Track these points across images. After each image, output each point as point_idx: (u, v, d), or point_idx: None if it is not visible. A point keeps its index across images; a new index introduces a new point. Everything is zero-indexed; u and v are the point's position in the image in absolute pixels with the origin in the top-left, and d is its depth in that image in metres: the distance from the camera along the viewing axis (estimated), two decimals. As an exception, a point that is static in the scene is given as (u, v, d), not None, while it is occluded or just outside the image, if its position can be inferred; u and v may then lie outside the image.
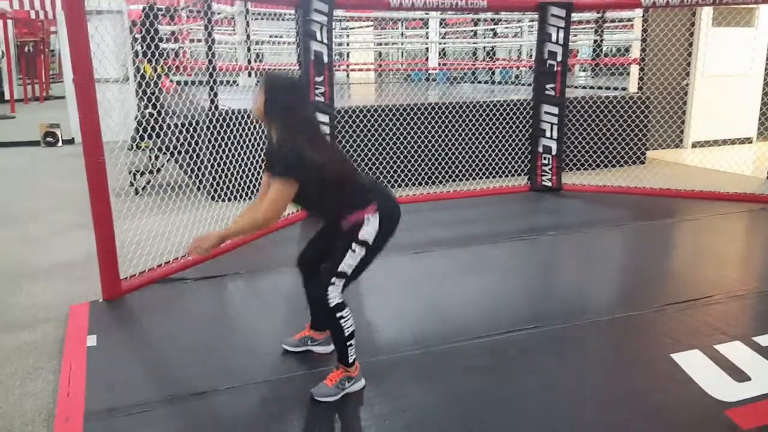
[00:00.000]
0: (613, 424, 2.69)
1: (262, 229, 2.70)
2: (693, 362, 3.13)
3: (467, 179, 7.49)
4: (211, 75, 6.18)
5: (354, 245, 2.69)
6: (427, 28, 13.22)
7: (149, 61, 7.07)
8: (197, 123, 6.71)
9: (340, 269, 2.70)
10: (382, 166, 7.05)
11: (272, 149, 2.80)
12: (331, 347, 3.04)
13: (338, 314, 2.72)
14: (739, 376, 3.01)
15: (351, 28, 14.58)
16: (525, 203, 6.73)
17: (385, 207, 2.75)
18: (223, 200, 6.39)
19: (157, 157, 7.19)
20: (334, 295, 2.71)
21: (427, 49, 13.33)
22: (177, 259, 4.57)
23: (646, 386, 2.95)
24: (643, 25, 8.01)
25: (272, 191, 2.63)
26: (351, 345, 2.79)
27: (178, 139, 7.27)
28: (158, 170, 7.12)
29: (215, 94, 6.23)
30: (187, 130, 7.08)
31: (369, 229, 2.69)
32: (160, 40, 7.64)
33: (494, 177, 7.54)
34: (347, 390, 2.84)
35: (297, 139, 2.65)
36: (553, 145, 7.01)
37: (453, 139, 7.40)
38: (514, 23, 12.26)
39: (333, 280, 2.70)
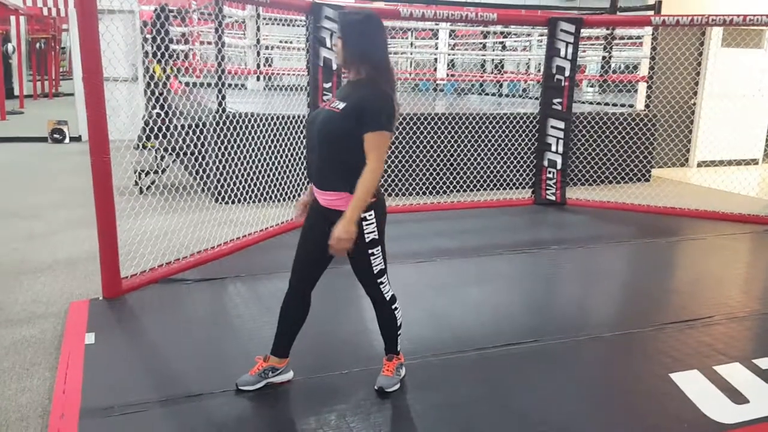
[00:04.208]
0: (609, 442, 2.67)
1: (379, 181, 2.62)
2: (691, 382, 3.11)
3: (471, 190, 7.49)
4: (219, 77, 6.20)
5: (370, 251, 2.75)
6: (437, 38, 13.26)
7: (159, 62, 7.09)
8: (204, 125, 6.73)
9: (376, 271, 2.81)
10: (387, 175, 7.05)
11: (349, 89, 2.71)
12: (291, 374, 3.00)
13: (393, 306, 2.92)
14: (738, 398, 2.99)
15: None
16: (528, 216, 6.72)
17: (380, 199, 2.76)
18: (227, 203, 6.40)
19: (162, 158, 7.21)
20: (387, 290, 2.88)
21: (435, 59, 13.36)
22: (178, 259, 4.58)
23: (644, 405, 2.94)
24: (652, 43, 8.03)
25: (374, 145, 2.56)
26: (400, 334, 2.99)
27: (184, 140, 7.29)
28: (163, 170, 7.13)
29: (223, 97, 6.25)
30: (194, 132, 7.10)
31: (370, 229, 2.72)
32: (171, 41, 7.67)
33: (498, 189, 7.53)
34: (402, 376, 3.02)
35: (383, 84, 2.62)
36: (559, 160, 7.01)
37: (459, 150, 7.41)
38: (524, 37, 12.29)
39: (379, 281, 2.84)
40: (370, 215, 2.70)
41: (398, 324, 2.96)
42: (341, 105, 2.62)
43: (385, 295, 2.87)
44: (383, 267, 2.82)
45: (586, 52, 11.14)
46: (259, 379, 2.94)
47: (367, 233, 2.71)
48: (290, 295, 2.92)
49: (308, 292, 2.91)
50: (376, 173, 2.59)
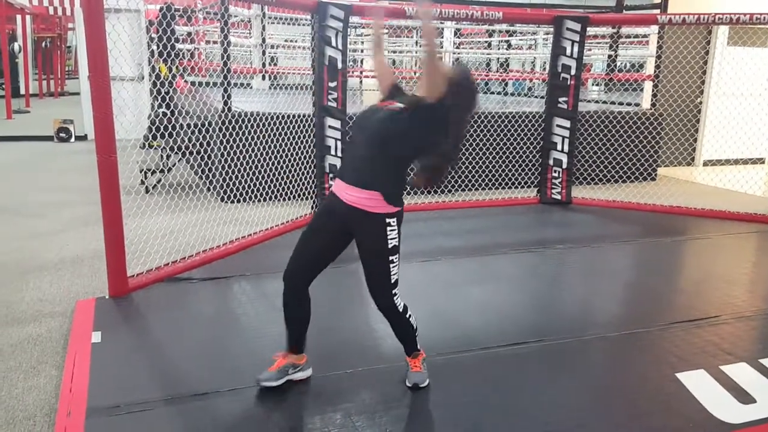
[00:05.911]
0: (615, 442, 2.67)
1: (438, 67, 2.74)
2: (698, 382, 3.11)
3: (477, 189, 7.48)
4: (225, 77, 6.21)
5: (391, 257, 2.77)
6: (442, 37, 13.24)
7: (165, 61, 7.11)
8: (210, 124, 6.74)
9: (393, 281, 2.81)
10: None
11: (403, 93, 2.90)
12: (310, 371, 3.00)
13: (407, 315, 2.92)
14: (745, 398, 2.98)
15: (366, 35, 14.62)
16: (534, 215, 6.71)
17: (401, 209, 2.84)
18: (233, 202, 6.40)
19: (168, 157, 7.23)
20: (399, 301, 2.87)
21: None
22: (184, 258, 4.59)
23: (650, 405, 2.93)
24: (658, 42, 8.00)
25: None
26: (417, 335, 2.99)
27: (190, 140, 7.31)
28: (169, 169, 7.15)
29: (229, 96, 6.26)
30: (200, 131, 7.12)
31: (392, 235, 2.76)
32: (176, 40, 7.69)
33: (504, 188, 7.52)
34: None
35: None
36: (564, 159, 6.99)
37: (464, 149, 7.39)
38: (529, 35, 12.27)
39: (393, 292, 2.83)
40: (393, 221, 2.75)
41: (414, 327, 2.96)
42: (400, 105, 2.72)
43: (398, 306, 2.87)
44: (398, 278, 2.83)
45: (591, 50, 11.10)
46: (281, 376, 2.92)
47: (390, 239, 2.74)
48: (288, 294, 2.87)
49: (305, 288, 2.88)
50: (438, 66, 2.73)
